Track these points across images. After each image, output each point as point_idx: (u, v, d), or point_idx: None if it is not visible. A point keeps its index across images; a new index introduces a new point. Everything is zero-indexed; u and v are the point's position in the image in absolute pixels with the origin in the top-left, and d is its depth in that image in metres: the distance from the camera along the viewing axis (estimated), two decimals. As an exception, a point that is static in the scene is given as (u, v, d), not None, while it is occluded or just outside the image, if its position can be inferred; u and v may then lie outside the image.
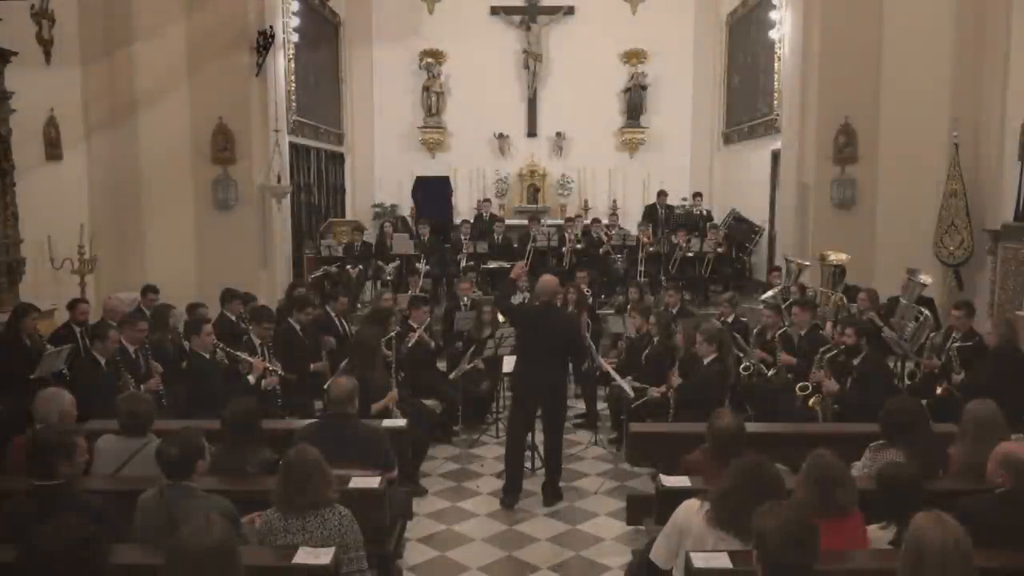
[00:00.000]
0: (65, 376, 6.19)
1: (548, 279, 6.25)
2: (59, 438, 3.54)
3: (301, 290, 8.84)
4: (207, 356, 6.25)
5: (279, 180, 10.90)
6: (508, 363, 6.91)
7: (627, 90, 15.29)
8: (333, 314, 8.14)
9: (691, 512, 3.35)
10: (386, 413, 5.84)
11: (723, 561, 3.11)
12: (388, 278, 11.05)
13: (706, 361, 6.23)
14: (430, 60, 15.20)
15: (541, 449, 6.30)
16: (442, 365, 8.04)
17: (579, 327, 6.84)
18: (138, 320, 6.76)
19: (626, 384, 6.61)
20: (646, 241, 11.69)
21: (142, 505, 3.57)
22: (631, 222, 13.78)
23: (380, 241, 11.99)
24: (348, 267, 11.21)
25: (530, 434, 6.27)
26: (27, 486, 3.50)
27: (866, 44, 9.85)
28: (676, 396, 6.33)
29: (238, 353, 6.26)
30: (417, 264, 10.99)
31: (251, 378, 6.19)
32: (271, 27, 10.57)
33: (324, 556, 3.28)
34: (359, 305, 10.89)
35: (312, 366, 7.24)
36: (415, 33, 15.25)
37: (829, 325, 7.43)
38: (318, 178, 13.75)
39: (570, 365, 8.43)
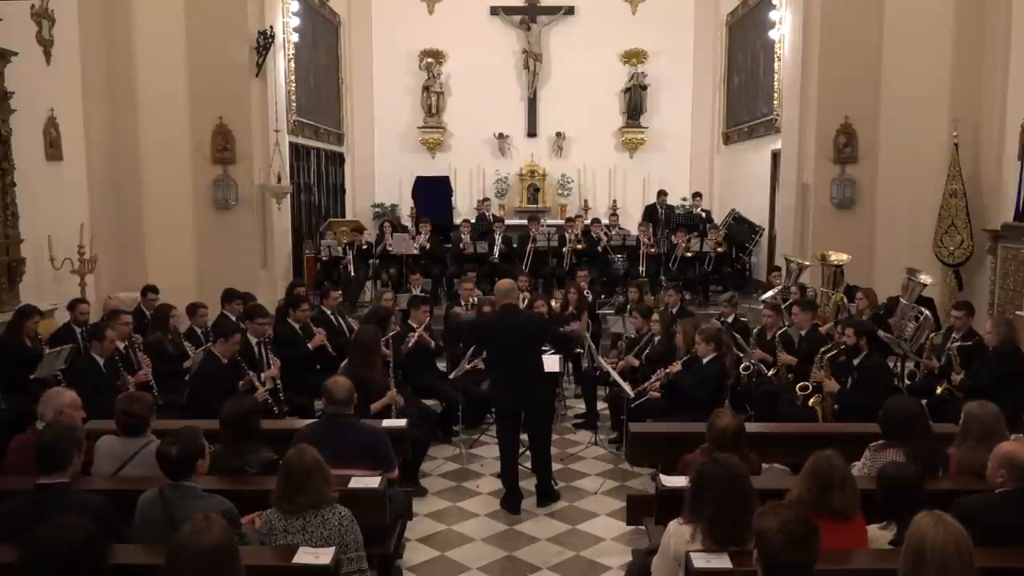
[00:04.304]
0: (59, 379, 6.16)
1: (503, 282, 6.21)
2: (60, 437, 3.54)
3: (301, 290, 8.84)
4: (224, 361, 6.16)
5: (279, 180, 10.91)
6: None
7: (627, 90, 15.31)
8: (328, 311, 8.15)
9: (682, 541, 3.26)
10: (386, 413, 5.84)
11: (723, 561, 3.12)
12: (387, 279, 11.01)
13: (704, 361, 6.26)
14: (430, 60, 15.22)
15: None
16: (442, 365, 8.04)
17: (543, 318, 6.72)
18: (120, 314, 6.76)
19: (626, 384, 6.61)
20: (646, 241, 11.69)
21: (142, 505, 3.56)
22: (631, 222, 13.77)
23: (380, 241, 11.98)
24: (344, 266, 11.18)
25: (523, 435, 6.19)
26: (27, 486, 3.50)
27: (866, 44, 9.86)
28: (668, 379, 6.40)
29: (250, 372, 6.22)
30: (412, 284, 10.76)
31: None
32: (271, 27, 10.60)
33: (324, 556, 3.28)
34: (357, 304, 10.86)
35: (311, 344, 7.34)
36: (415, 33, 15.26)
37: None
38: (318, 178, 13.76)
39: (570, 365, 8.59)
